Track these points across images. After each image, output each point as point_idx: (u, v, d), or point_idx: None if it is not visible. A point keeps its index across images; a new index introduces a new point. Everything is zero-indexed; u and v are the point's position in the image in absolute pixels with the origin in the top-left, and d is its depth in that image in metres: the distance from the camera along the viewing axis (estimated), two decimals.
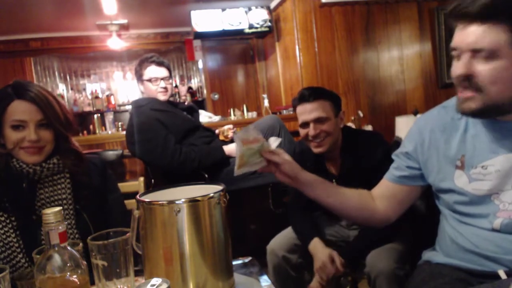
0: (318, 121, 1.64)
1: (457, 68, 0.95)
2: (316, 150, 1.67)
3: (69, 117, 1.23)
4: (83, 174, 1.24)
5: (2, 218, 1.13)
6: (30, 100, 1.15)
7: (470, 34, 0.92)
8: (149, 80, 2.41)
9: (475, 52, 0.92)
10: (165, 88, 2.43)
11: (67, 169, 1.22)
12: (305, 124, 1.68)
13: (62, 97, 5.13)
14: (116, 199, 1.34)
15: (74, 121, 1.25)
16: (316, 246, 1.62)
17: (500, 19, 0.87)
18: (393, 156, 1.21)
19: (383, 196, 1.19)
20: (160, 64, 2.44)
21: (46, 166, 1.17)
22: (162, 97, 2.43)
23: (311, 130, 1.64)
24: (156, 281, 0.66)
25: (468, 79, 0.94)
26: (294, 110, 1.74)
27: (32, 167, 1.15)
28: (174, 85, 5.39)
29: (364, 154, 1.64)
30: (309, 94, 1.65)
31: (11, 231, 1.13)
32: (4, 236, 1.12)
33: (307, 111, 1.65)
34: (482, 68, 0.91)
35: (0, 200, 1.13)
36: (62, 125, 1.19)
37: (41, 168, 1.16)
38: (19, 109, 1.14)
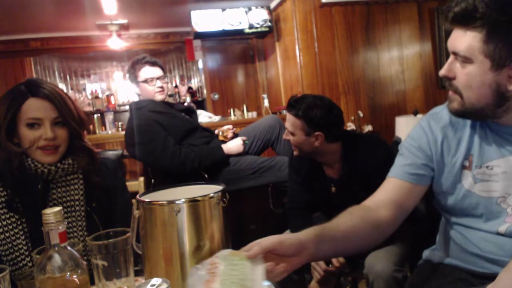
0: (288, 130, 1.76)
1: (442, 68, 0.98)
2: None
3: (82, 115, 1.21)
4: (95, 175, 1.22)
5: (13, 219, 1.10)
6: (45, 98, 1.13)
7: (452, 37, 0.95)
8: (145, 81, 2.40)
9: (455, 55, 0.94)
10: (162, 87, 2.42)
11: (81, 169, 1.20)
12: None
13: None
14: (125, 202, 1.31)
15: (86, 119, 1.24)
16: None
17: (476, 25, 0.88)
18: (403, 150, 1.11)
19: (391, 201, 1.04)
20: (153, 64, 2.43)
21: (61, 167, 1.15)
22: (159, 96, 2.42)
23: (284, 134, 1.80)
24: (156, 281, 0.67)
25: (450, 81, 0.97)
26: None
27: (47, 166, 1.13)
28: (174, 85, 5.39)
29: (365, 157, 1.65)
30: (289, 105, 1.71)
31: (21, 233, 1.10)
32: (13, 238, 1.10)
33: (286, 119, 1.76)
34: (459, 72, 0.94)
35: (12, 201, 1.11)
36: (77, 123, 1.18)
37: (56, 168, 1.15)
38: (34, 107, 1.12)
